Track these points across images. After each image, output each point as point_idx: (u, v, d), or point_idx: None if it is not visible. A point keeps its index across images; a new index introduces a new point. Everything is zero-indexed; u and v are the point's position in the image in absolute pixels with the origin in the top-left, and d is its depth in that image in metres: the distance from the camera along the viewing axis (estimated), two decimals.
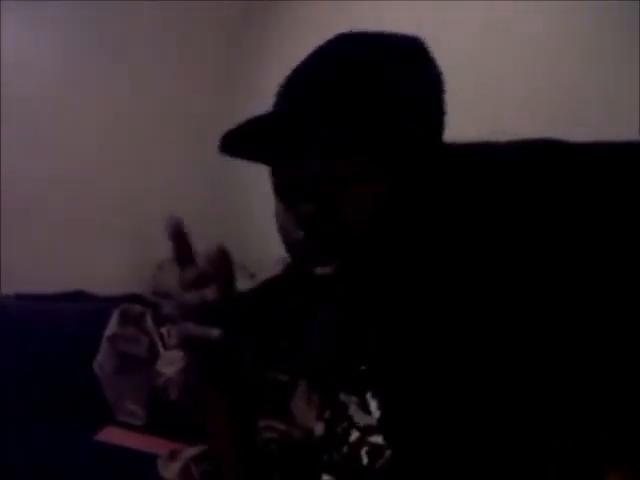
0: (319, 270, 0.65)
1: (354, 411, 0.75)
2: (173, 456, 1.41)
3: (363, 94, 0.62)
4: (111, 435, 1.63)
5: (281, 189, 0.69)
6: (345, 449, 0.74)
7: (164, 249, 2.23)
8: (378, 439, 0.71)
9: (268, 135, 0.65)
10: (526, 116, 1.44)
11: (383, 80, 0.64)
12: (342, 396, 0.76)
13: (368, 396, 0.74)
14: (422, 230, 0.67)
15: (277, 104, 0.69)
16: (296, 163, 0.66)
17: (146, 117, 2.33)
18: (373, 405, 0.73)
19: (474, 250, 0.66)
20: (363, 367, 0.75)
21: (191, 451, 1.40)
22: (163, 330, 1.73)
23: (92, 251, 2.21)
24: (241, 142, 0.66)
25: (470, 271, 0.65)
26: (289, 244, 0.69)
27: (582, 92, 1.42)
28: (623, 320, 0.59)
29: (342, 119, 0.61)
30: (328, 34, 0.70)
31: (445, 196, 0.68)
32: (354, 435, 0.74)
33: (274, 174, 0.70)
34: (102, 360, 1.73)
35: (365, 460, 0.72)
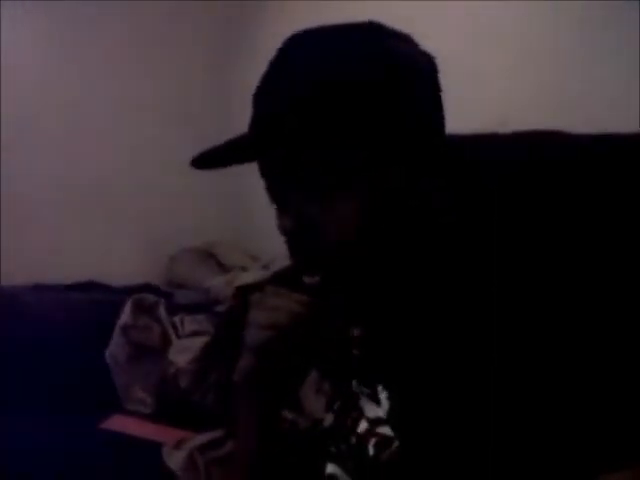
0: (307, 279, 0.65)
1: (364, 403, 0.75)
2: (178, 445, 1.42)
3: (343, 102, 0.60)
4: (118, 423, 1.64)
5: (269, 193, 0.69)
6: (353, 439, 0.74)
7: (177, 241, 2.25)
8: (387, 430, 0.71)
9: (247, 154, 0.64)
10: (527, 115, 1.44)
11: (360, 87, 0.61)
12: (354, 387, 0.76)
13: (379, 388, 0.74)
14: (410, 247, 0.66)
15: (254, 119, 0.67)
16: (277, 179, 0.65)
17: (153, 109, 2.35)
18: (383, 396, 0.73)
19: (489, 250, 0.65)
20: (376, 359, 0.75)
21: (197, 440, 1.41)
22: (176, 319, 1.74)
23: (106, 242, 2.23)
24: (218, 158, 0.65)
25: (483, 271, 0.65)
26: (287, 249, 0.69)
27: (582, 91, 1.44)
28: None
29: (322, 131, 0.60)
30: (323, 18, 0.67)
31: (433, 203, 0.67)
32: (362, 426, 0.74)
33: (263, 177, 0.69)
34: (114, 349, 1.74)
35: (372, 451, 0.72)
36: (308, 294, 0.65)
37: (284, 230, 0.65)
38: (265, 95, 0.65)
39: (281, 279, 0.69)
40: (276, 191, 0.66)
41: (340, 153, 0.61)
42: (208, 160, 0.65)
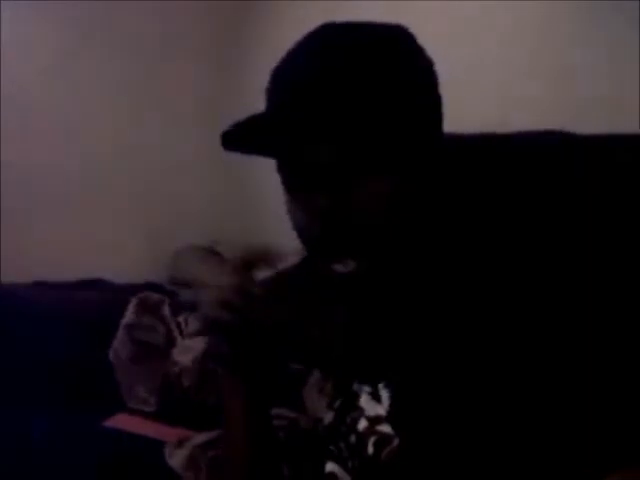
0: (338, 267, 0.63)
1: (365, 401, 0.75)
2: (180, 443, 1.42)
3: (373, 81, 0.61)
4: (120, 422, 1.64)
5: (293, 181, 0.67)
6: (352, 438, 0.74)
7: (180, 238, 2.25)
8: (386, 428, 0.71)
9: (278, 125, 0.63)
10: (527, 115, 1.45)
11: (389, 68, 0.63)
12: (355, 386, 0.77)
13: (380, 386, 0.74)
14: (444, 229, 0.67)
15: (277, 94, 0.67)
16: (309, 150, 0.63)
17: (157, 103, 2.38)
18: (384, 395, 0.73)
19: (496, 247, 0.66)
20: (377, 359, 0.75)
21: (199, 438, 1.41)
22: (180, 318, 1.74)
23: (110, 240, 2.23)
24: (247, 136, 0.64)
25: (490, 268, 0.65)
26: (305, 240, 0.68)
27: (582, 91, 1.44)
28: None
29: (355, 107, 0.60)
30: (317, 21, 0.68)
31: (463, 193, 0.68)
32: (362, 424, 0.74)
33: (284, 165, 0.68)
34: (118, 348, 1.75)
35: (371, 449, 0.72)
36: (337, 283, 0.65)
37: (317, 212, 0.63)
38: (296, 73, 0.64)
39: (286, 276, 0.69)
40: (308, 171, 0.64)
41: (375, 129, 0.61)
42: (240, 138, 0.64)
